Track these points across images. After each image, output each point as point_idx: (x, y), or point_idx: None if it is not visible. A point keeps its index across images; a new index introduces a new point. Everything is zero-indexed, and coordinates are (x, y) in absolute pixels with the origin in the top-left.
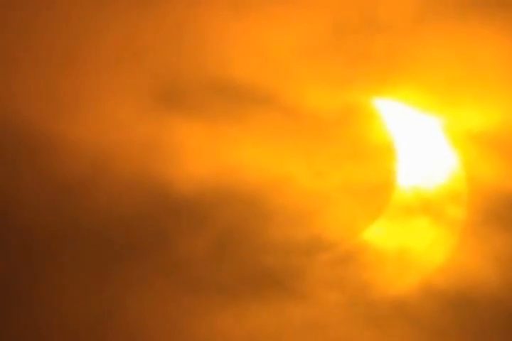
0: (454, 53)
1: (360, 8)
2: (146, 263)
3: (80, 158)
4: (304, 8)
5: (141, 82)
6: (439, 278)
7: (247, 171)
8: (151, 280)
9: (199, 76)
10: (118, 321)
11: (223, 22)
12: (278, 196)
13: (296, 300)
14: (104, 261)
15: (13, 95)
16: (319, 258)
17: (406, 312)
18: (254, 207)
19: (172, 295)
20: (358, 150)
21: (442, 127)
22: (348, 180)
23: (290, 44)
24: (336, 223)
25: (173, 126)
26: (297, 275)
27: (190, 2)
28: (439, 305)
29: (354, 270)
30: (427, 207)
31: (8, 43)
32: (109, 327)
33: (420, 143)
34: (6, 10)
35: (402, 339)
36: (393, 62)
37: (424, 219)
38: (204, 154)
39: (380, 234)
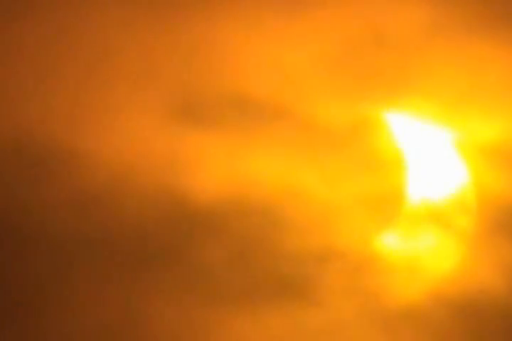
0: (463, 67)
1: (370, 25)
2: (166, 271)
3: (102, 170)
4: (316, 26)
5: (160, 97)
6: (447, 286)
7: (262, 182)
8: (171, 289)
9: (216, 91)
10: (138, 329)
11: (239, 39)
12: (292, 206)
13: (310, 306)
14: (124, 270)
15: (36, 112)
16: (332, 267)
17: (416, 318)
18: (269, 217)
19: (190, 302)
20: (370, 162)
21: (451, 139)
22: (360, 190)
23: (304, 59)
24: (348, 232)
25: (191, 140)
26: (311, 283)
27: (207, 20)
28: (447, 312)
29: (366, 278)
30: (436, 217)
31: (31, 61)
32: (129, 335)
33: (430, 154)
34: (30, 28)
35: None
36: (403, 76)
37: (433, 229)
38: (220, 166)
39: (391, 243)
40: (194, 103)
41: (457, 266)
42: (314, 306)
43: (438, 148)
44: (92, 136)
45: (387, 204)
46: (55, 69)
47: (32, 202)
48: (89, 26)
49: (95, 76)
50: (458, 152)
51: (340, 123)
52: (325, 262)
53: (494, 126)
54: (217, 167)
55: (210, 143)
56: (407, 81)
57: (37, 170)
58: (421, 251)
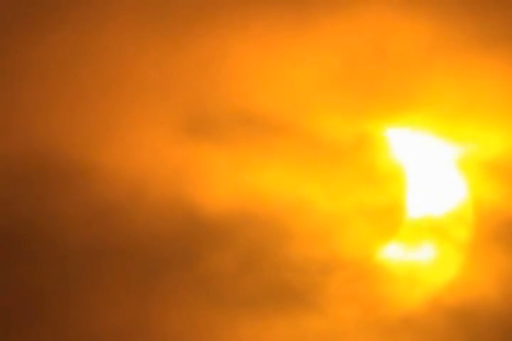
0: (463, 84)
1: (373, 41)
2: (176, 280)
3: (115, 183)
4: (320, 42)
5: (172, 113)
6: (447, 295)
7: (268, 194)
8: (180, 297)
9: (225, 106)
10: (148, 336)
11: (246, 57)
12: (297, 218)
13: (313, 314)
14: (137, 279)
15: (54, 127)
16: (335, 276)
17: (416, 327)
18: (276, 228)
19: (199, 309)
20: (372, 175)
21: (451, 154)
22: (362, 203)
23: (309, 76)
24: (350, 243)
25: (201, 153)
26: (315, 291)
27: (216, 40)
28: (447, 321)
29: (367, 287)
30: (435, 229)
31: (51, 78)
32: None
33: (429, 169)
34: (51, 46)
35: None
36: (404, 92)
37: (433, 241)
38: (229, 179)
39: (392, 254)
40: (204, 118)
41: (456, 276)
42: (317, 314)
43: (438, 163)
44: (107, 150)
45: (389, 216)
46: (73, 86)
47: (49, 213)
48: (105, 45)
49: (111, 93)
50: (457, 166)
51: (344, 138)
52: (328, 272)
53: (493, 141)
54: (226, 180)
55: (219, 157)
56: (408, 97)
57: (54, 182)
58: (421, 262)
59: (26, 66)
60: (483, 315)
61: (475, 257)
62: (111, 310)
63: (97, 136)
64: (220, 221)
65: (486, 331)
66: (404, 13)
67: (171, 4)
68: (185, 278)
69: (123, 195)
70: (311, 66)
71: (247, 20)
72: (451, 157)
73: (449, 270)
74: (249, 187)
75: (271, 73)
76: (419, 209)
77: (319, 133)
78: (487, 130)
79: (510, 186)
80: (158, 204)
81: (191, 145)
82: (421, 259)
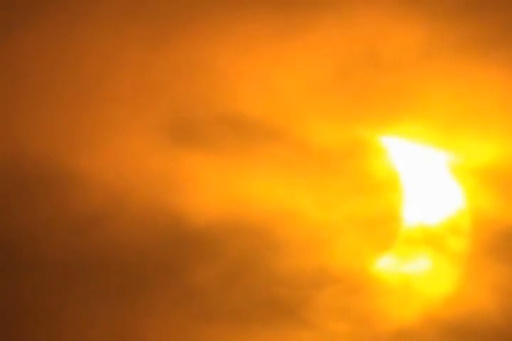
0: (457, 90)
1: (365, 47)
2: (161, 292)
3: (97, 192)
4: (311, 48)
5: (157, 119)
6: (442, 308)
7: (257, 203)
8: (166, 309)
9: (211, 112)
10: None
11: (235, 62)
12: (287, 228)
13: (304, 328)
14: (121, 290)
15: (34, 133)
16: (326, 288)
17: (410, 340)
18: (264, 238)
19: (185, 323)
20: (364, 183)
21: (446, 162)
22: (354, 212)
23: (299, 81)
24: (343, 254)
25: (186, 161)
26: (305, 305)
27: (203, 44)
28: (441, 335)
29: (360, 300)
30: (430, 239)
31: (29, 81)
32: None
33: (424, 177)
34: (30, 48)
35: None
36: (397, 98)
37: (428, 252)
38: (216, 187)
39: (386, 266)
40: (191, 125)
41: (451, 288)
42: (308, 329)
43: (432, 171)
44: (89, 157)
45: (382, 226)
46: (53, 89)
47: (28, 221)
48: (88, 48)
49: (93, 97)
50: (453, 175)
51: (335, 145)
52: (319, 284)
53: (489, 149)
54: (213, 188)
55: (206, 165)
56: (401, 103)
57: (32, 190)
58: (415, 274)
59: (4, 70)
60: (479, 328)
61: (471, 269)
62: (90, 324)
63: (79, 143)
64: (206, 232)
65: None
66: (397, 17)
67: (156, 8)
68: (170, 292)
69: (105, 203)
70: (302, 71)
71: (235, 25)
72: (447, 165)
73: (445, 282)
74: (237, 196)
75: (260, 78)
76: (414, 219)
77: (310, 140)
78: (484, 137)
79: (506, 195)
80: (142, 214)
81: (177, 152)
82: (416, 271)
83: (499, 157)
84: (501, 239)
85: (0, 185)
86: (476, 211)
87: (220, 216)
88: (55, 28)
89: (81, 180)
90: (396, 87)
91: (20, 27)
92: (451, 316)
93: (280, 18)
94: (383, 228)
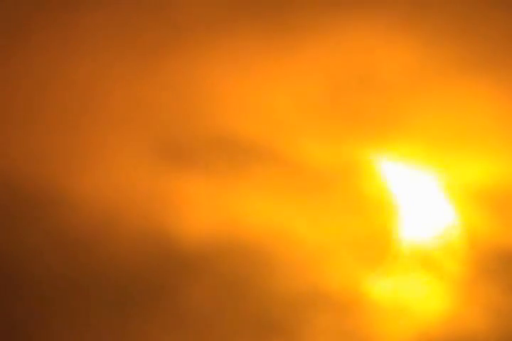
0: (449, 110)
1: (358, 66)
2: (152, 314)
3: (87, 212)
4: (303, 67)
5: (147, 138)
6: (435, 329)
7: (249, 224)
8: (157, 331)
9: (203, 133)
10: None
11: (225, 81)
12: (279, 248)
13: None
14: (111, 313)
15: (18, 153)
16: (320, 309)
17: None
18: (257, 259)
19: None
20: (358, 203)
21: (440, 182)
22: (347, 233)
23: (291, 101)
24: (336, 275)
25: (177, 180)
26: (299, 326)
27: (193, 62)
28: None
29: (353, 320)
30: (425, 260)
31: (18, 100)
32: None
33: (418, 198)
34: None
35: None
36: (390, 118)
37: (421, 273)
38: (207, 207)
39: (379, 286)
40: (181, 144)
41: (445, 309)
42: None
43: (427, 192)
44: (76, 177)
45: (375, 247)
46: (41, 109)
47: (16, 243)
48: (76, 67)
49: (82, 116)
50: (447, 195)
51: (328, 166)
52: (312, 304)
53: (484, 170)
54: (205, 209)
55: (198, 186)
56: (394, 123)
57: (19, 210)
58: (409, 295)
59: None
60: None
61: (465, 290)
62: None
63: (66, 162)
64: (197, 253)
65: None
66: (390, 38)
67: (143, 27)
68: (161, 314)
69: (93, 224)
70: (294, 91)
71: (226, 44)
72: (441, 185)
73: (439, 303)
74: (228, 216)
75: (250, 97)
76: (407, 239)
77: (303, 160)
78: (479, 157)
79: (500, 215)
80: (131, 234)
81: (166, 172)
82: (409, 291)
83: (495, 178)
84: (496, 260)
85: None
86: (471, 232)
87: (212, 237)
88: (44, 50)
89: (68, 200)
90: (389, 107)
91: (7, 48)
92: (444, 336)
93: (273, 37)
94: (376, 248)
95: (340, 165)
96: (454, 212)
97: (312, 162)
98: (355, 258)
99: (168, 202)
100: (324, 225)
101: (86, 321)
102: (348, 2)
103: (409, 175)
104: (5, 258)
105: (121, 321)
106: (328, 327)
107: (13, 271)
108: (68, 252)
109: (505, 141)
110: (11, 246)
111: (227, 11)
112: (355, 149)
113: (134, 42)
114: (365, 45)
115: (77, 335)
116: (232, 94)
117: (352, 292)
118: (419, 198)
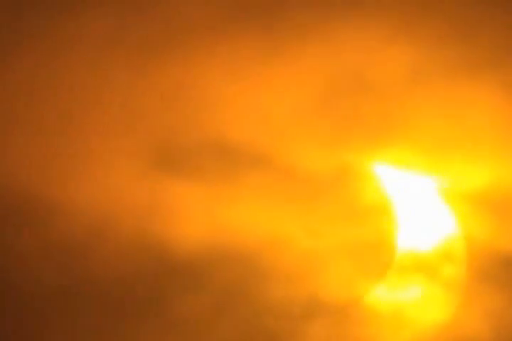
0: (446, 114)
1: (352, 72)
2: (145, 323)
3: (80, 219)
4: (297, 73)
5: (139, 144)
6: (435, 336)
7: (243, 231)
8: (149, 339)
9: (196, 138)
10: None
11: (219, 86)
12: (274, 256)
13: None
14: (103, 322)
15: (12, 161)
16: (317, 318)
17: None
18: (251, 267)
19: None
20: (353, 210)
21: (436, 187)
22: (343, 240)
23: (285, 106)
24: (332, 283)
25: (171, 188)
26: (295, 335)
27: (186, 67)
28: None
29: (351, 329)
30: (423, 266)
31: (5, 107)
32: None
33: (415, 203)
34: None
35: None
36: (385, 123)
37: (420, 279)
38: (201, 215)
39: (377, 294)
40: (174, 151)
41: (445, 316)
42: None
43: (423, 197)
44: (69, 185)
45: (373, 253)
46: (30, 116)
47: (11, 253)
48: (66, 73)
49: (72, 123)
50: (443, 200)
51: (323, 171)
52: (309, 314)
53: (480, 174)
54: (199, 216)
55: (192, 192)
56: (389, 128)
57: (11, 219)
58: (408, 302)
59: None
60: None
61: (464, 296)
62: None
63: (57, 169)
64: (191, 261)
65: None
66: (385, 42)
67: (136, 32)
68: (155, 322)
69: (86, 232)
70: (289, 96)
71: (218, 47)
72: (438, 191)
73: (438, 310)
74: (223, 224)
75: (244, 102)
76: (405, 246)
77: (297, 166)
78: (475, 162)
79: (498, 220)
80: (124, 243)
81: (160, 179)
82: (408, 299)
83: (491, 182)
84: (495, 265)
85: None
86: (469, 237)
87: (206, 245)
88: (31, 54)
89: (61, 209)
90: (384, 112)
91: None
92: None
93: (267, 42)
94: (374, 255)
95: (336, 171)
96: (452, 218)
97: (308, 168)
98: (352, 266)
99: (162, 210)
100: (320, 232)
101: (79, 329)
102: (345, 8)
103: (406, 180)
104: None
105: (114, 329)
106: (324, 335)
107: (4, 279)
108: (62, 260)
109: (503, 147)
110: (3, 254)
111: (221, 16)
112: (351, 155)
113: (128, 47)
114: (362, 51)
115: None
116: (226, 99)
117: (350, 300)
118: (417, 204)
